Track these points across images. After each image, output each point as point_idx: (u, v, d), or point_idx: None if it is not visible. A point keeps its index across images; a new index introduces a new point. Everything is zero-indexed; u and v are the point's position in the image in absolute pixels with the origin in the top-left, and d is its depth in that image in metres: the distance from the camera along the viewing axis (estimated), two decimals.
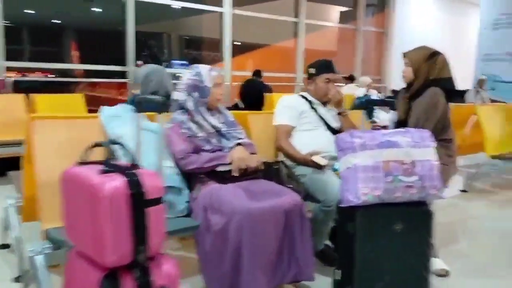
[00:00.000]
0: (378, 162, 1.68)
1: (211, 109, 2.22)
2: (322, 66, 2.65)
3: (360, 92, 7.07)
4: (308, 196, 2.30)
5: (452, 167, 2.53)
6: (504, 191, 4.19)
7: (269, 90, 6.43)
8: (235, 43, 8.83)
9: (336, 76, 2.66)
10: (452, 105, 4.58)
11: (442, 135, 2.47)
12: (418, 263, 1.78)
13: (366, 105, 2.60)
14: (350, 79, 7.60)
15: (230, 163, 2.08)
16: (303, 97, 2.69)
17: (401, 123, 2.61)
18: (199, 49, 12.61)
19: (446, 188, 2.13)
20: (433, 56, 2.46)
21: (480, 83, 8.64)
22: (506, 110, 4.47)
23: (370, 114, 7.04)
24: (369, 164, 1.68)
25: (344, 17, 11.73)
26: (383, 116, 6.93)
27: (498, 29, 9.68)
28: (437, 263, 2.27)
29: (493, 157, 3.93)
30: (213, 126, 2.18)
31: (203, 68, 2.19)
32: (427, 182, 1.72)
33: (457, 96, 4.64)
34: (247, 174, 2.07)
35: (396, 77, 10.05)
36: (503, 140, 4.19)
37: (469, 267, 2.50)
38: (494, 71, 9.76)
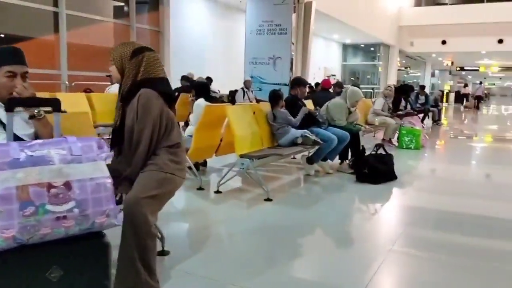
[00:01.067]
0: (10, 188, 1.16)
1: None
2: (1, 56, 1.98)
3: None
4: None
5: (179, 175, 2.23)
6: (254, 188, 4.30)
7: None
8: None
9: (24, 69, 2.02)
10: (206, 105, 4.54)
11: (165, 140, 2.15)
12: None
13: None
14: None
15: None
16: None
17: (115, 131, 2.19)
18: None
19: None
20: (139, 52, 2.11)
21: (246, 84, 9.24)
22: (253, 110, 4.62)
23: None
24: None
25: (119, 13, 11.00)
26: None
27: (261, 35, 10.56)
28: None
29: (242, 156, 3.96)
30: None
31: None
32: (91, 208, 1.28)
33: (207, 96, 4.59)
34: None
35: (174, 77, 9.94)
36: (251, 139, 4.29)
37: None
38: (260, 73, 10.66)
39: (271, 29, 10.59)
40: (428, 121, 12.46)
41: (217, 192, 4.05)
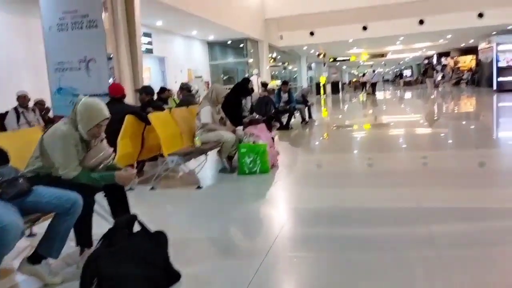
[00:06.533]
0: None
1: None
2: None
3: None
4: None
5: None
6: None
7: None
8: None
9: None
10: None
11: None
12: None
13: None
14: None
15: None
16: None
17: None
18: None
19: None
20: None
21: (20, 101, 6.20)
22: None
23: None
24: None
25: None
26: None
27: (64, 31, 7.56)
28: None
29: None
30: None
31: None
32: None
33: None
34: None
35: None
36: None
37: None
38: (70, 83, 7.60)
39: (77, 22, 7.63)
40: (295, 122, 10.61)
41: None
